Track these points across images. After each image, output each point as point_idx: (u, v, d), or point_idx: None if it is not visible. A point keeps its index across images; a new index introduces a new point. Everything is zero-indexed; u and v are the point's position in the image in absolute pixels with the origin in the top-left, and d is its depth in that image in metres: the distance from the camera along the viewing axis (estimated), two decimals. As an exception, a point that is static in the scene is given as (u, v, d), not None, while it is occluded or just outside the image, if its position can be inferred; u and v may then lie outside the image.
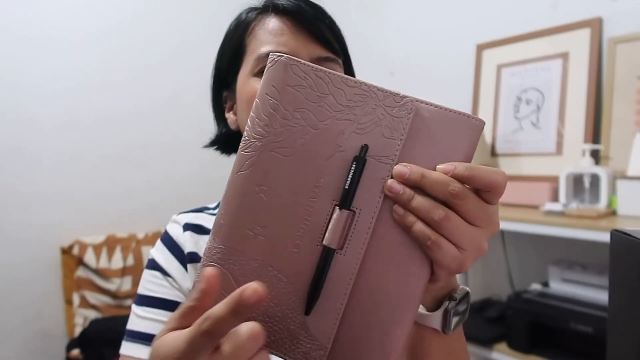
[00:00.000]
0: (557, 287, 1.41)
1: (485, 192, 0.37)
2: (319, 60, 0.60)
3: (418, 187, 0.37)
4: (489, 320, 1.52)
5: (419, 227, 0.36)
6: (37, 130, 1.97)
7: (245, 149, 0.39)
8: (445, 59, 1.92)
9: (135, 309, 0.62)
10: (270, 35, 0.61)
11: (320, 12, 0.64)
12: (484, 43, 1.77)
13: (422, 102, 0.38)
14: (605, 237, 1.12)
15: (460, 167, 0.36)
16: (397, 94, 0.38)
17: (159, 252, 0.66)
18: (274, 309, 0.38)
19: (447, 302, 0.46)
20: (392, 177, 0.37)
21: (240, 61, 0.64)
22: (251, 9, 0.66)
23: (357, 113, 0.38)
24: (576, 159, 1.45)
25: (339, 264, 0.37)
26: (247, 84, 0.62)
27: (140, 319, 0.61)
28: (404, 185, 0.37)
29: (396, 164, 0.37)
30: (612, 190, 1.34)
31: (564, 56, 1.55)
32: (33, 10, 1.94)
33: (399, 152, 0.37)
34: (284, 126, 0.39)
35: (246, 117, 0.61)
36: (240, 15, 0.67)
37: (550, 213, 1.33)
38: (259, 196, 0.39)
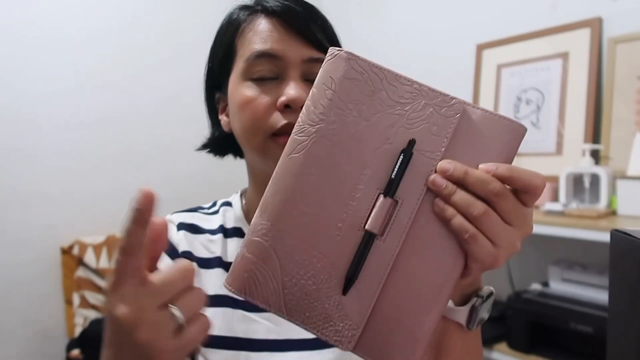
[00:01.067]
0: (557, 287, 1.41)
1: (523, 193, 0.39)
2: (310, 61, 0.59)
3: (460, 183, 0.38)
4: (489, 320, 1.51)
5: (458, 220, 0.38)
6: (37, 130, 1.96)
7: (299, 133, 0.41)
8: (445, 59, 1.92)
9: None
10: (259, 37, 0.60)
11: (311, 12, 0.62)
12: (484, 43, 1.77)
13: (470, 104, 0.40)
14: (605, 237, 1.12)
15: (502, 167, 0.38)
16: (447, 95, 0.40)
17: None
18: (311, 287, 0.40)
19: (474, 299, 0.48)
20: (435, 172, 0.39)
21: (232, 62, 0.63)
22: (242, 8, 0.64)
23: (407, 109, 0.40)
24: (576, 159, 1.45)
25: (378, 250, 0.39)
26: (238, 89, 0.61)
27: None
28: (447, 180, 0.38)
29: (440, 160, 0.39)
30: (612, 190, 1.34)
31: (564, 56, 1.55)
32: (33, 10, 1.94)
33: (444, 149, 0.39)
34: (338, 115, 0.41)
35: (238, 121, 0.61)
36: (231, 14, 0.65)
37: (550, 213, 1.33)
38: (307, 179, 0.41)
